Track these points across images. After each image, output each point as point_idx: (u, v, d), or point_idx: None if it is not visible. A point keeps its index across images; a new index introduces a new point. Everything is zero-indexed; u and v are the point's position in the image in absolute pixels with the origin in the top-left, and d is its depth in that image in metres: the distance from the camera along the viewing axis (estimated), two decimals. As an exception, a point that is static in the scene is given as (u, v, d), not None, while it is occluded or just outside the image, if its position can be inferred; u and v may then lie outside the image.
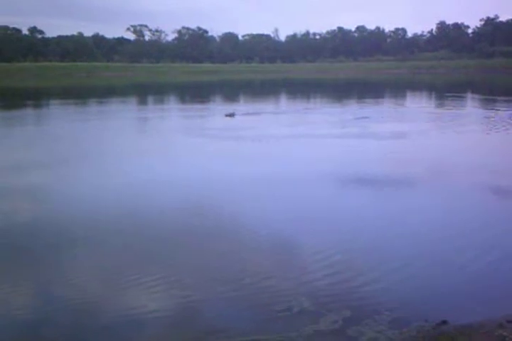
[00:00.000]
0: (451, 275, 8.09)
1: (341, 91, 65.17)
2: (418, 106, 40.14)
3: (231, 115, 28.94)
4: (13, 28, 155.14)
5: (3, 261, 8.99)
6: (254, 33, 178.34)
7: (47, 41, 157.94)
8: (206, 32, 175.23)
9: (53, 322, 6.85)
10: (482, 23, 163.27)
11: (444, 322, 6.55)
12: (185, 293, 7.57)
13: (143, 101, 51.99)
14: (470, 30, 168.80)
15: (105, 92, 64.24)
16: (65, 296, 7.54)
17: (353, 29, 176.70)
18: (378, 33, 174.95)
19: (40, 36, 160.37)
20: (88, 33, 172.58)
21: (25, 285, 8.02)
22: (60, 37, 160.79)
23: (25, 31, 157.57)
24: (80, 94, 62.10)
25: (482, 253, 8.99)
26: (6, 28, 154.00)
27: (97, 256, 9.15)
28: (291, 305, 7.10)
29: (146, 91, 67.34)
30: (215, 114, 33.50)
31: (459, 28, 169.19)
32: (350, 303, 7.12)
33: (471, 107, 40.09)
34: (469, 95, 54.48)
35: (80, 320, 6.89)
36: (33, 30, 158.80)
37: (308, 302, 7.18)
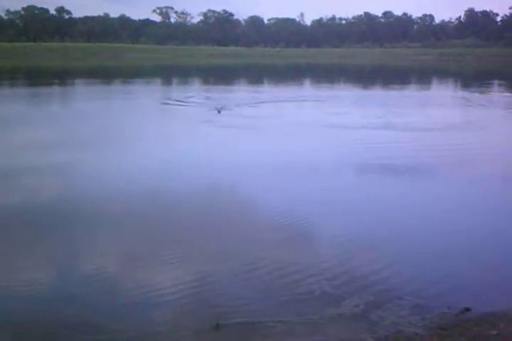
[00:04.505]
0: (475, 263, 8.04)
1: (375, 77, 64.71)
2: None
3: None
4: (41, 8, 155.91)
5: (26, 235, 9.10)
6: (280, 17, 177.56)
7: (73, 21, 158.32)
8: (232, 15, 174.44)
9: (69, 298, 6.91)
10: (511, 11, 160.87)
11: (467, 310, 6.50)
12: (207, 274, 7.59)
13: (168, 83, 52.11)
14: (499, 18, 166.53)
15: (130, 73, 64.48)
16: (81, 272, 7.66)
17: (380, 14, 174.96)
18: (405, 19, 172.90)
19: (67, 16, 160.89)
20: (114, 14, 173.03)
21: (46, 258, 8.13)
22: (86, 17, 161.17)
23: (52, 11, 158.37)
24: (105, 74, 62.37)
25: (508, 242, 8.93)
26: (33, 7, 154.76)
27: (123, 233, 9.24)
28: (312, 289, 7.09)
29: (171, 74, 67.42)
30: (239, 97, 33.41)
31: (487, 15, 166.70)
32: (372, 288, 7.10)
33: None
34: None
35: (98, 297, 6.98)
36: (61, 10, 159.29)
37: (330, 285, 7.17)
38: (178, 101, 29.87)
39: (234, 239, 8.97)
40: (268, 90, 42.39)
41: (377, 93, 40.43)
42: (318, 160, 15.13)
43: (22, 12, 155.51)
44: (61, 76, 58.34)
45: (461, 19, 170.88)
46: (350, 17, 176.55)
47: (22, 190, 12.08)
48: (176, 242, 8.79)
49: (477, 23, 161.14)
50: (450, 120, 23.46)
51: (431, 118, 24.16)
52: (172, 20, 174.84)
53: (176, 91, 40.14)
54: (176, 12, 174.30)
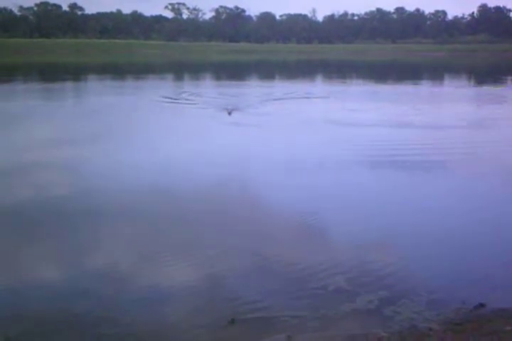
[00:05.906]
0: (490, 258, 8.03)
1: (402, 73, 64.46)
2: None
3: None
4: (54, 5, 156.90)
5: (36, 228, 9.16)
6: (292, 13, 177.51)
7: (86, 18, 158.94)
8: (243, 11, 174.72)
9: (83, 293, 6.95)
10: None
11: (482, 305, 6.49)
12: (221, 269, 7.62)
13: (179, 79, 52.16)
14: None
15: (142, 70, 64.57)
16: (95, 267, 7.69)
17: (392, 10, 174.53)
18: (418, 15, 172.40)
19: (79, 13, 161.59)
20: (127, 10, 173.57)
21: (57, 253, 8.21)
22: (99, 14, 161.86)
23: (65, 7, 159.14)
24: (118, 70, 62.53)
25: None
26: (46, 3, 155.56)
27: (139, 227, 9.30)
28: (326, 283, 7.09)
29: (183, 70, 67.50)
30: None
31: (500, 11, 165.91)
32: (387, 283, 7.09)
33: None
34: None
35: (111, 292, 7.00)
36: (73, 6, 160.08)
37: (344, 281, 7.16)
38: (188, 99, 29.58)
39: (248, 234, 8.99)
40: (280, 86, 42.20)
41: (391, 89, 40.20)
42: (339, 159, 14.85)
43: (35, 8, 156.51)
44: (73, 72, 58.50)
45: (474, 15, 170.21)
46: (363, 13, 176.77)
47: (31, 182, 12.16)
48: (191, 238, 8.81)
49: (490, 19, 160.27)
50: (472, 116, 23.34)
51: (450, 114, 24.02)
52: (184, 16, 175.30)
53: (187, 88, 39.86)
54: (187, 8, 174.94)
